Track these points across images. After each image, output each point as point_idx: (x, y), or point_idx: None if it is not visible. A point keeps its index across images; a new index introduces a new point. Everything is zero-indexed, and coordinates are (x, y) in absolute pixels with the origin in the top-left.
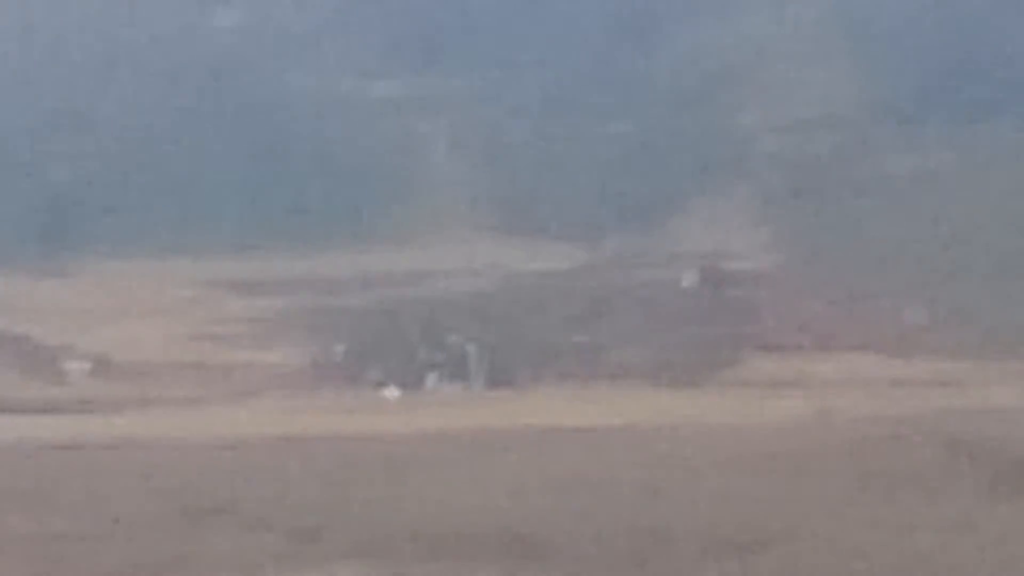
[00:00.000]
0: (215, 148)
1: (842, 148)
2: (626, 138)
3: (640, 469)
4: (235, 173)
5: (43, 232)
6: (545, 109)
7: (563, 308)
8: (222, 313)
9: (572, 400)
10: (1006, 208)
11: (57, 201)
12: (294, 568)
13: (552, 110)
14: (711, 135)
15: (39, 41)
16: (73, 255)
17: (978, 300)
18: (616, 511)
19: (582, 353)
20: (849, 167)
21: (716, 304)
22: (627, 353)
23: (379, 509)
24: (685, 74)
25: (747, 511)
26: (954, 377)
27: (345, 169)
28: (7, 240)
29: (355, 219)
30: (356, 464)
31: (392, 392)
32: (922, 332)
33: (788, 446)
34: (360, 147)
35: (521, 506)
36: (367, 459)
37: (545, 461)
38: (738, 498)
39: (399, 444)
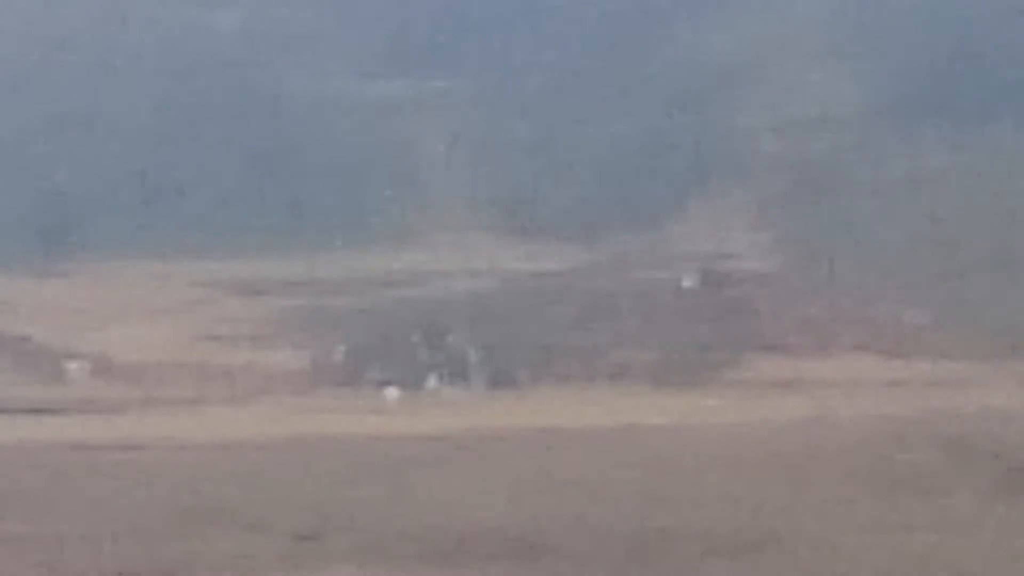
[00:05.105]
0: (215, 148)
1: (842, 148)
2: (626, 138)
3: (640, 469)
4: (235, 173)
5: (43, 232)
6: (545, 109)
7: (563, 309)
8: (222, 313)
9: (572, 401)
10: (1006, 208)
11: (57, 201)
12: (294, 569)
13: (552, 110)
14: (711, 135)
15: (39, 41)
16: (73, 255)
17: (978, 300)
18: (616, 512)
19: (582, 354)
20: (849, 167)
21: (716, 304)
22: (627, 353)
23: (379, 510)
24: (685, 74)
25: (747, 511)
26: (954, 377)
27: (345, 169)
28: (7, 240)
29: (355, 219)
30: (356, 465)
31: (392, 393)
32: (922, 332)
33: (788, 446)
34: (360, 147)
35: (521, 507)
36: (367, 460)
37: (545, 462)
38: (738, 498)
39: (399, 445)
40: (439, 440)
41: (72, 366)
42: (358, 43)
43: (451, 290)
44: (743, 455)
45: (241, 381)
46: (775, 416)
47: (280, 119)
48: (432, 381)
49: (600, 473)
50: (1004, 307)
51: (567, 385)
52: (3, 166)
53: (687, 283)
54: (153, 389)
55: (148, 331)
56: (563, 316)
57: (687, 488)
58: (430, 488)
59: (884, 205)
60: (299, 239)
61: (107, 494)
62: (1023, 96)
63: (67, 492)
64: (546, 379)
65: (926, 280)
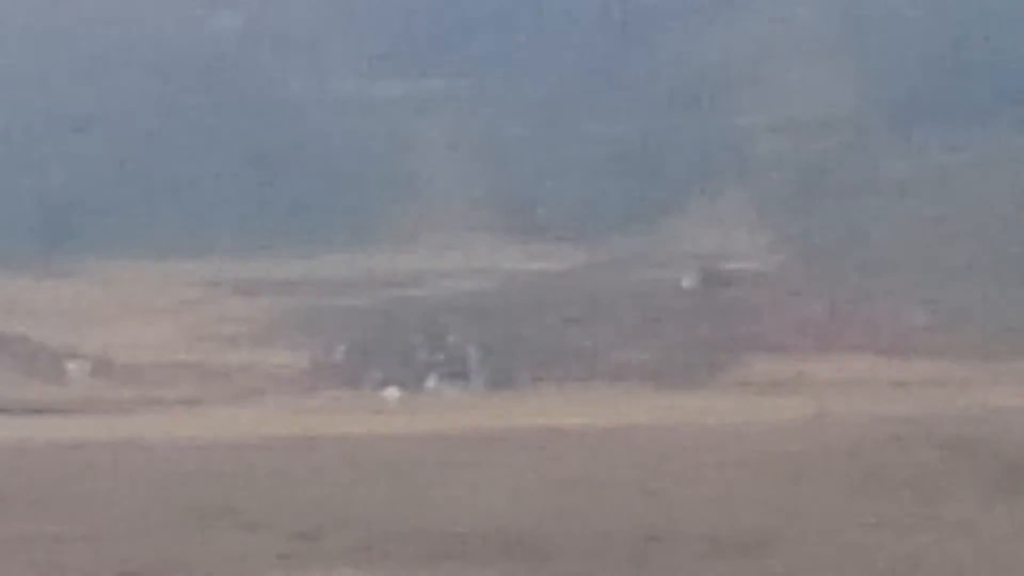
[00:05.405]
0: (215, 148)
1: (842, 149)
2: (625, 138)
3: (640, 470)
4: (235, 173)
5: (43, 232)
6: (545, 109)
7: (563, 308)
8: (222, 313)
9: (572, 400)
10: (1006, 208)
11: (57, 201)
12: (294, 569)
13: (552, 110)
14: (711, 135)
15: (39, 41)
16: (73, 255)
17: (978, 301)
18: (616, 512)
19: (582, 353)
20: (849, 168)
21: (716, 304)
22: (627, 353)
23: (379, 510)
24: (685, 74)
25: (747, 511)
26: (954, 377)
27: (345, 169)
28: (7, 240)
29: (355, 219)
30: (356, 465)
31: (392, 392)
32: (922, 332)
33: (788, 446)
34: (360, 147)
35: (521, 507)
36: (367, 460)
37: (545, 461)
38: (738, 498)
39: (399, 445)
40: (438, 440)
41: (72, 366)
42: (358, 43)
43: (451, 290)
44: (743, 455)
45: (241, 381)
46: (775, 416)
47: (281, 119)
48: (432, 381)
49: (600, 473)
50: (1004, 307)
51: (567, 384)
52: (4, 166)
53: (687, 283)
54: (153, 389)
55: (148, 331)
56: (563, 316)
57: (687, 488)
58: (430, 488)
59: (884, 205)
60: (299, 239)
61: (107, 494)
62: (1023, 96)
63: (67, 492)
64: (546, 378)
65: (926, 280)
